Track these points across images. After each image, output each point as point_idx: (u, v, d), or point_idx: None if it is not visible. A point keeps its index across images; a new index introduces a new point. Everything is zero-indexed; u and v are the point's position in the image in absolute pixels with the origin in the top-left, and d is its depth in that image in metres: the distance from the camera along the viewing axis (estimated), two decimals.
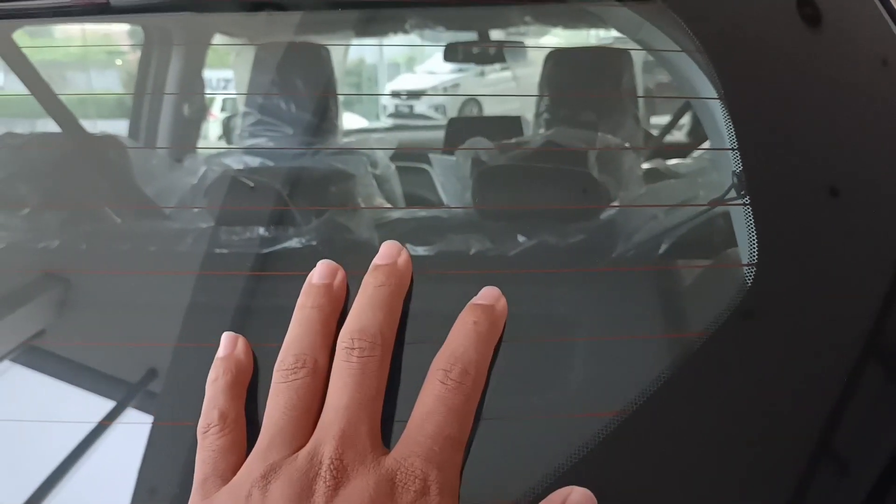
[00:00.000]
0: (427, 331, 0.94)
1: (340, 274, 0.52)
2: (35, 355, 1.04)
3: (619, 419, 0.61)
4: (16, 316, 1.07)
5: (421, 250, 1.08)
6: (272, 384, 0.47)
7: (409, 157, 2.14)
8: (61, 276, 1.08)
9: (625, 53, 1.71)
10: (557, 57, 1.77)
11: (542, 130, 1.75)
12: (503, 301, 0.54)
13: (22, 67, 1.14)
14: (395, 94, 5.92)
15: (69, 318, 1.08)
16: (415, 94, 6.00)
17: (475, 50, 2.41)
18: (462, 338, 0.51)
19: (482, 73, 5.88)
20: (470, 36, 2.44)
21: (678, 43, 0.77)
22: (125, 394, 0.97)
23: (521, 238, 1.03)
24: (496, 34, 2.47)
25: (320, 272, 0.53)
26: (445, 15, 2.15)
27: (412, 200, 1.93)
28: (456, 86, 6.14)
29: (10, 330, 1.05)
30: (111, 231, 1.15)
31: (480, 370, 0.50)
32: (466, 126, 2.82)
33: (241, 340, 0.52)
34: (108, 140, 1.32)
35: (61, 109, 1.19)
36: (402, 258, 0.53)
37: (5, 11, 0.85)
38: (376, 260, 0.52)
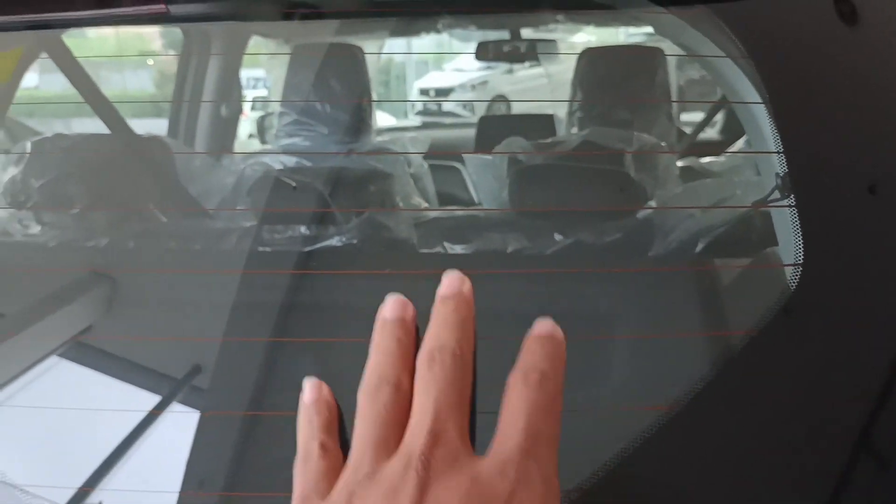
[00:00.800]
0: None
1: (411, 309, 0.53)
2: (83, 350, 1.07)
3: (664, 415, 0.62)
4: (65, 312, 1.10)
5: (458, 248, 1.10)
6: (358, 406, 0.49)
7: (442, 156, 2.16)
8: (109, 274, 1.11)
9: (658, 52, 1.71)
10: (591, 55, 1.78)
11: (575, 129, 1.75)
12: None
13: (73, 71, 1.18)
14: (433, 93, 5.94)
15: (116, 315, 1.11)
16: (445, 92, 6.02)
17: (506, 48, 2.42)
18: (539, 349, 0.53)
19: (510, 71, 5.89)
20: (502, 34, 2.45)
21: (721, 47, 0.77)
22: (170, 388, 1.00)
23: (557, 237, 1.04)
24: (527, 33, 2.48)
25: (391, 307, 0.54)
26: (477, 14, 2.17)
27: (444, 199, 1.95)
28: (484, 83, 6.16)
29: (60, 326, 1.08)
30: (157, 230, 1.18)
31: (558, 375, 0.51)
32: (498, 124, 2.83)
33: (324, 387, 0.54)
34: (154, 141, 1.36)
35: (109, 111, 1.22)
36: (467, 287, 0.54)
37: (67, 20, 0.88)
38: (442, 291, 0.53)
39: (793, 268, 0.64)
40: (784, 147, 0.65)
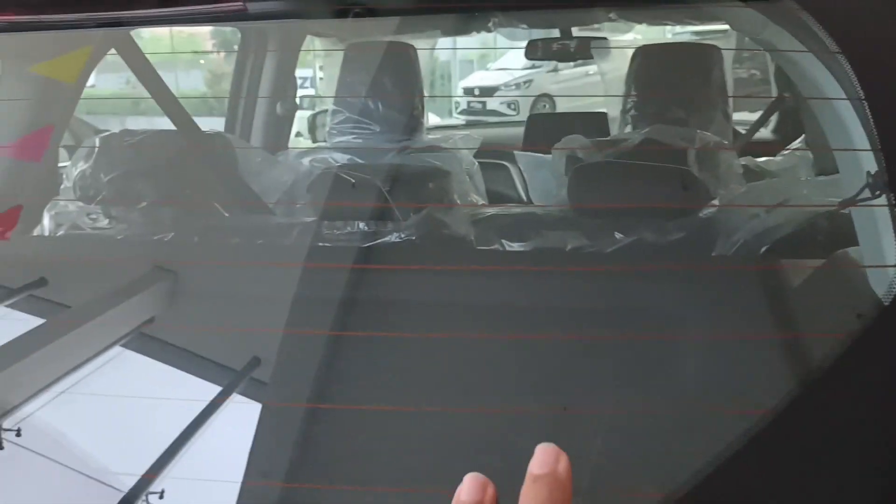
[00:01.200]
0: (525, 327, 0.96)
1: (490, 490, 0.50)
2: (146, 341, 1.10)
3: (740, 419, 0.62)
4: (129, 304, 1.13)
5: (517, 246, 1.10)
6: None
7: (492, 154, 2.16)
8: (173, 267, 1.14)
9: (714, 49, 1.68)
10: (646, 53, 1.76)
11: (629, 127, 1.74)
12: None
13: (142, 69, 1.21)
14: (477, 92, 5.94)
15: (179, 307, 1.13)
16: (489, 91, 6.02)
17: (556, 46, 2.42)
18: None
19: (555, 69, 5.86)
20: (552, 32, 2.44)
21: (805, 43, 0.76)
22: (231, 379, 1.02)
23: (618, 235, 1.04)
24: (579, 31, 2.47)
25: (469, 490, 0.50)
26: (529, 11, 2.16)
27: (494, 197, 1.95)
28: (529, 82, 6.15)
29: (124, 317, 1.11)
30: (220, 225, 1.20)
31: None
32: (548, 123, 2.82)
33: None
34: (217, 138, 1.38)
35: (175, 108, 1.25)
36: (563, 465, 0.49)
37: (141, 18, 0.91)
38: (534, 468, 0.49)
39: (881, 269, 0.62)
40: (882, 145, 0.63)
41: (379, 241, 1.11)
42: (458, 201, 1.18)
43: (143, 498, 0.83)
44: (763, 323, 0.81)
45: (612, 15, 2.20)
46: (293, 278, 1.05)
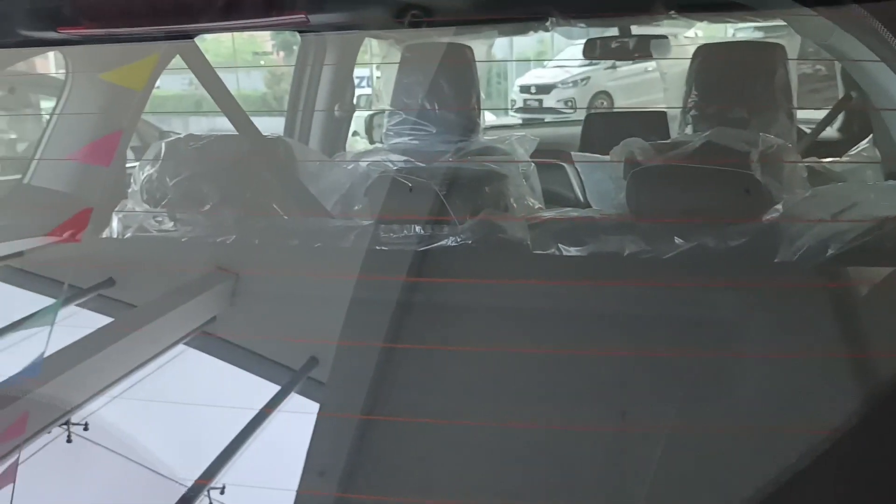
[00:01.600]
0: (582, 335, 0.95)
1: None
2: (207, 341, 1.13)
3: (804, 439, 0.60)
4: (192, 304, 1.16)
5: (573, 251, 1.09)
6: None
7: (549, 155, 2.15)
8: (234, 269, 1.16)
9: (779, 49, 1.64)
10: (707, 52, 1.73)
11: (689, 128, 1.71)
12: None
13: (205, 74, 1.24)
14: (533, 90, 5.90)
15: (239, 308, 1.16)
16: (545, 88, 5.97)
17: (615, 45, 2.38)
18: None
19: (613, 67, 5.78)
20: (611, 31, 2.41)
21: (875, 51, 0.74)
22: (289, 379, 1.04)
23: (678, 240, 1.02)
24: (638, 29, 2.43)
25: None
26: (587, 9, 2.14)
27: (550, 198, 1.93)
28: (587, 79, 6.08)
29: (187, 317, 1.14)
30: (279, 228, 1.23)
31: None
32: (606, 122, 2.79)
33: None
34: (278, 142, 1.41)
35: (237, 113, 1.28)
36: None
37: (205, 29, 0.93)
38: None
39: None
40: None
41: (435, 244, 1.11)
42: (515, 205, 1.18)
43: (205, 493, 0.86)
44: (827, 335, 0.79)
45: (672, 13, 2.16)
46: (350, 281, 1.06)
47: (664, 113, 2.33)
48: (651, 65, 5.66)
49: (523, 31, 2.42)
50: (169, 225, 1.23)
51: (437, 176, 1.20)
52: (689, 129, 1.73)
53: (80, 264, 1.18)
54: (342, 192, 1.32)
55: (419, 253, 1.11)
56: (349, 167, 1.40)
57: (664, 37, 2.34)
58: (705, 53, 1.73)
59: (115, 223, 1.24)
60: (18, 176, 1.44)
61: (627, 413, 0.88)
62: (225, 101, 1.26)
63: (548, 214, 1.17)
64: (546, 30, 2.38)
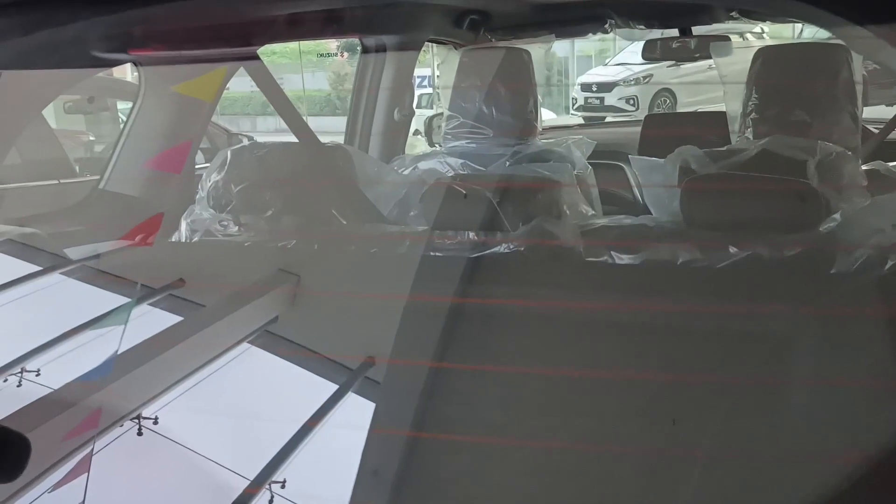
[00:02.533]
0: (637, 344, 0.96)
1: None
2: (270, 339, 1.17)
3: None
4: (256, 304, 1.20)
5: (626, 259, 1.10)
6: None
7: (607, 155, 2.14)
8: (295, 271, 1.20)
9: (843, 50, 1.60)
10: (768, 53, 1.69)
11: (749, 131, 1.68)
12: None
13: (268, 84, 1.29)
14: (595, 88, 5.84)
15: (300, 308, 1.20)
16: (607, 87, 5.90)
17: (675, 45, 2.35)
18: None
19: (676, 64, 5.67)
20: (670, 31, 2.38)
21: None
22: (346, 378, 1.07)
23: (732, 249, 1.01)
24: (698, 29, 2.39)
25: None
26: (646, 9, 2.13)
27: (608, 199, 1.93)
28: (649, 76, 5.98)
29: (251, 316, 1.19)
30: (339, 233, 1.26)
31: None
32: (667, 122, 2.75)
33: None
34: (338, 150, 1.45)
35: (298, 122, 1.32)
36: None
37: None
38: None
39: None
40: None
41: (487, 251, 1.13)
42: (568, 212, 1.18)
43: (267, 486, 0.89)
44: (885, 351, 0.78)
45: (734, 14, 2.13)
46: (406, 285, 1.09)
47: (724, 114, 2.29)
48: (714, 62, 5.53)
49: (582, 34, 2.42)
50: (233, 229, 1.28)
51: (490, 182, 1.22)
52: (748, 133, 1.71)
53: (151, 266, 1.24)
54: (398, 199, 1.35)
55: (472, 259, 1.13)
56: (406, 174, 1.43)
57: (726, 37, 2.30)
58: (766, 55, 1.70)
59: (183, 227, 1.29)
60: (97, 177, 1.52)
61: (677, 422, 0.88)
62: (287, 112, 1.30)
63: (600, 222, 1.17)
64: (605, 32, 2.37)
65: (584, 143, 1.88)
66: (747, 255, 1.00)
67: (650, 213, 1.58)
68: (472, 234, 1.16)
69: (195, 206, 1.32)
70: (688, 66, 5.91)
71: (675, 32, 2.47)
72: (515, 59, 1.96)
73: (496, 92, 1.96)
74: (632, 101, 5.55)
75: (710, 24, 2.24)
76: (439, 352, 1.03)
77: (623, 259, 1.09)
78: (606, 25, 2.23)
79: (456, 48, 2.09)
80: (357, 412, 1.04)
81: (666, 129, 2.50)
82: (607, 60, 6.07)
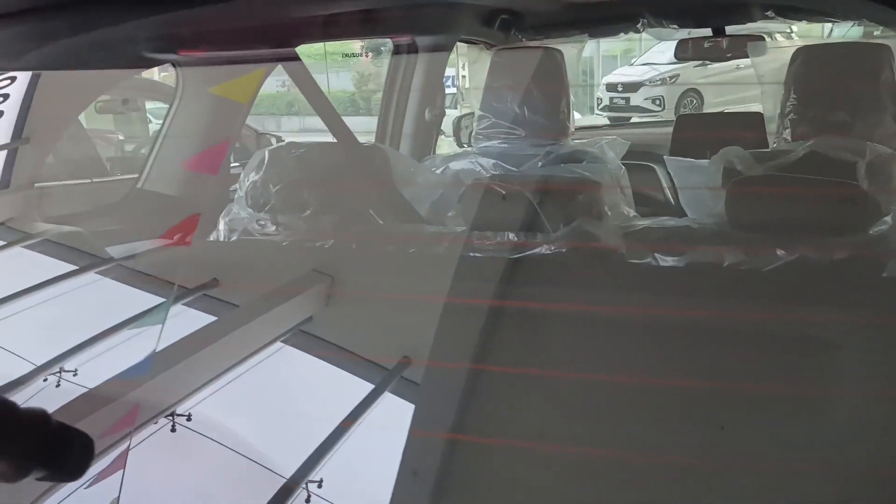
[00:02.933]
0: (682, 348, 0.95)
1: None
2: (304, 339, 1.17)
3: None
4: (290, 304, 1.20)
5: (670, 261, 1.08)
6: None
7: (639, 156, 2.12)
8: (331, 271, 1.20)
9: (885, 49, 1.57)
10: (808, 53, 1.67)
11: (787, 132, 1.66)
12: None
13: (306, 83, 1.29)
14: (620, 88, 5.80)
15: (335, 308, 1.20)
16: (633, 87, 5.87)
17: (707, 45, 2.33)
18: None
19: (704, 63, 5.63)
20: (703, 31, 2.36)
21: None
22: (383, 378, 1.06)
23: (780, 252, 1.00)
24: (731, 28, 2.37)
25: None
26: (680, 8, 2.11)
27: (639, 200, 1.91)
28: (675, 76, 5.94)
29: (286, 316, 1.19)
30: (376, 233, 1.26)
31: None
32: (698, 123, 2.72)
33: None
34: (374, 149, 1.45)
35: (335, 121, 1.32)
36: None
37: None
38: None
39: None
40: None
41: (528, 252, 1.12)
42: (609, 213, 1.17)
43: (304, 485, 0.89)
44: None
45: (769, 13, 2.10)
46: (443, 285, 1.08)
47: (760, 114, 2.27)
48: (743, 62, 5.47)
49: (614, 33, 2.40)
50: (271, 229, 1.28)
51: (530, 183, 1.21)
52: (787, 133, 1.68)
53: (187, 265, 1.24)
54: (434, 199, 1.35)
55: (512, 261, 1.12)
56: (442, 173, 1.42)
57: (761, 37, 2.27)
58: (805, 55, 1.68)
59: (221, 227, 1.30)
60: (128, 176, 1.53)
61: (724, 428, 0.87)
62: (325, 111, 1.30)
63: (643, 223, 1.16)
64: (637, 31, 2.35)
65: (618, 144, 1.87)
66: (795, 259, 0.98)
67: (685, 215, 1.56)
68: (511, 235, 1.15)
69: (233, 206, 1.32)
70: (715, 66, 5.86)
71: (704, 32, 2.45)
72: (548, 59, 1.95)
73: (529, 92, 1.95)
74: (658, 102, 5.51)
75: (745, 23, 2.22)
76: (479, 353, 1.02)
77: (667, 261, 1.07)
78: (639, 25, 2.22)
79: (487, 48, 2.09)
80: (394, 412, 1.04)
81: (699, 129, 2.47)
82: (633, 60, 6.04)
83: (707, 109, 5.55)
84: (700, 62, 5.60)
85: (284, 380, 1.17)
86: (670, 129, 2.49)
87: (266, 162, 1.28)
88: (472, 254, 1.17)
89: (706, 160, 1.33)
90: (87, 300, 1.30)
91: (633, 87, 5.76)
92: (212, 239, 1.30)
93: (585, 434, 0.90)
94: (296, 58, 1.16)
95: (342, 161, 1.35)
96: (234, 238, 1.28)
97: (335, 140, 1.35)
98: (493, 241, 1.16)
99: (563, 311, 1.04)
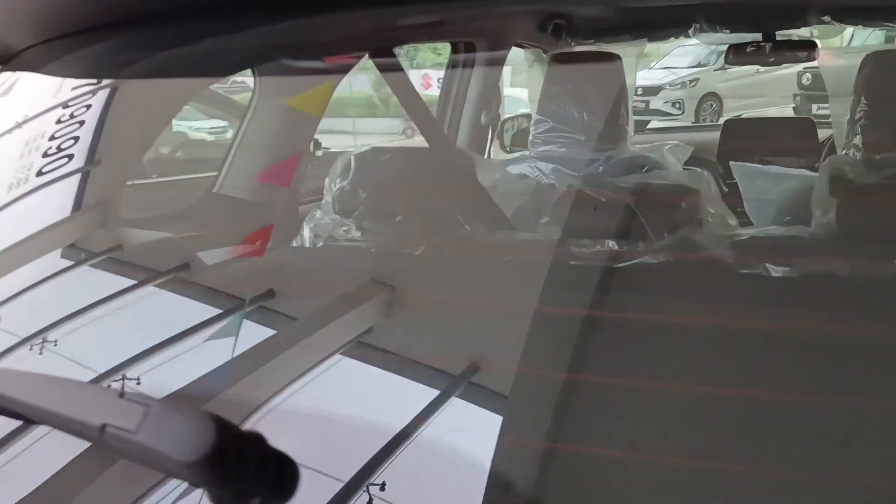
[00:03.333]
0: (796, 361, 0.93)
1: None
2: (364, 350, 1.13)
3: None
4: (352, 315, 1.17)
5: (780, 272, 1.06)
6: None
7: (692, 163, 2.11)
8: (408, 278, 1.17)
9: None
10: (880, 59, 1.66)
11: (857, 138, 1.65)
12: None
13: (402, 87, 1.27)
14: (640, 92, 5.80)
15: (395, 318, 1.17)
16: (652, 90, 5.87)
17: (759, 50, 2.32)
18: None
19: (724, 67, 5.63)
20: (753, 36, 2.34)
21: None
22: (448, 384, 1.03)
23: None
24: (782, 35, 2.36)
25: None
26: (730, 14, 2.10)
27: None
28: (695, 80, 5.95)
29: (346, 327, 1.15)
30: (465, 240, 1.24)
31: None
32: (747, 128, 2.71)
33: None
34: (459, 153, 1.43)
35: (430, 124, 1.30)
36: None
37: None
38: None
39: None
40: None
41: (629, 262, 1.10)
42: (710, 220, 1.15)
43: (365, 488, 0.86)
44: None
45: (825, 18, 2.09)
46: (535, 294, 1.06)
47: (811, 120, 2.26)
48: (763, 66, 5.48)
49: (664, 39, 2.39)
50: (356, 234, 1.26)
51: (627, 190, 1.19)
52: (857, 140, 1.67)
53: (243, 276, 1.21)
54: (519, 204, 1.33)
55: (611, 269, 1.10)
56: (525, 176, 1.40)
57: (813, 42, 2.27)
58: (876, 61, 1.67)
59: (306, 233, 1.27)
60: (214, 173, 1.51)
61: (845, 446, 0.85)
62: (421, 115, 1.28)
63: (748, 232, 1.14)
64: (688, 36, 2.34)
65: (680, 149, 1.85)
66: None
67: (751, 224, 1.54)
68: (611, 243, 1.13)
69: (317, 212, 1.30)
70: (734, 71, 5.87)
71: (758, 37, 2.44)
72: (608, 64, 1.93)
73: (588, 96, 1.94)
74: (677, 105, 5.51)
75: (799, 28, 2.21)
76: (572, 363, 1.00)
77: (777, 272, 1.05)
78: (691, 30, 2.21)
79: (544, 52, 2.07)
80: (460, 417, 1.01)
81: (748, 135, 2.46)
82: (652, 64, 6.03)
83: (727, 113, 5.57)
84: (720, 67, 5.62)
85: (343, 389, 1.14)
86: (693, 135, 2.47)
87: (353, 167, 1.26)
88: (565, 261, 1.15)
89: (790, 167, 1.31)
90: (148, 311, 1.27)
91: (652, 90, 5.76)
92: (296, 245, 1.28)
93: (693, 450, 0.88)
94: (396, 65, 1.14)
95: (429, 165, 1.33)
96: (320, 244, 1.26)
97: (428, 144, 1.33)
98: (589, 249, 1.14)
99: (670, 321, 1.02)
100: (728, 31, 2.24)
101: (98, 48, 0.96)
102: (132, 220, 1.34)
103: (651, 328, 1.03)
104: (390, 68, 1.22)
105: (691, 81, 5.70)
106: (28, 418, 0.57)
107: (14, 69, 1.06)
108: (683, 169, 1.84)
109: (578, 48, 2.05)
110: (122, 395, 0.55)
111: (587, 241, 1.14)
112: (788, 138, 2.13)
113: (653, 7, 1.94)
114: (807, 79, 4.80)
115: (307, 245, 1.27)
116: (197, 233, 1.36)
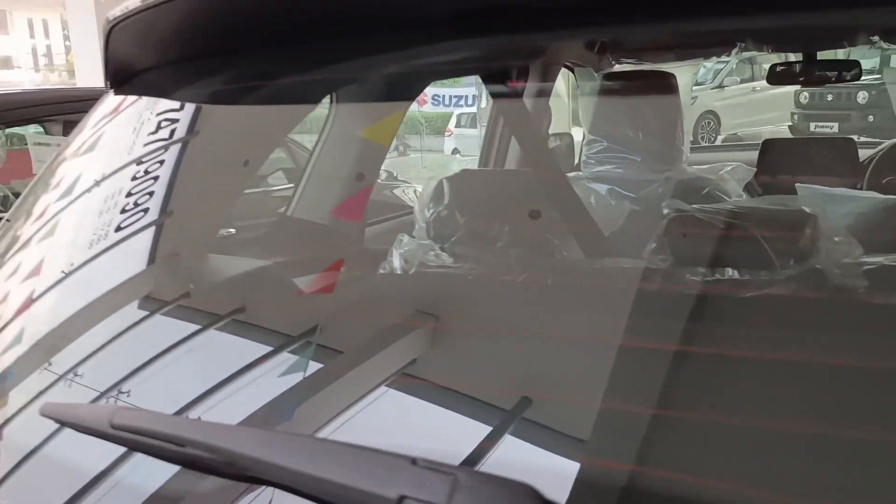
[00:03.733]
0: None
1: None
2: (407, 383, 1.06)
3: None
4: (400, 344, 1.09)
5: None
6: None
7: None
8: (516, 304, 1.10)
9: None
10: None
11: None
12: None
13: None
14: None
15: (439, 344, 1.10)
16: None
17: (803, 70, 2.31)
18: None
19: (721, 86, 5.68)
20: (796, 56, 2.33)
21: None
22: (502, 420, 0.95)
23: None
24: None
25: None
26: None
27: None
28: (693, 99, 5.98)
29: (391, 359, 1.08)
30: (568, 267, 1.18)
31: None
32: (786, 148, 2.69)
33: None
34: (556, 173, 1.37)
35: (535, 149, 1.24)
36: None
37: None
38: None
39: None
40: None
41: (758, 292, 1.03)
42: (831, 247, 1.10)
43: None
44: None
45: (874, 38, 2.08)
46: (659, 327, 0.99)
47: (852, 140, 2.24)
48: (758, 84, 5.54)
49: (707, 57, 2.37)
50: (448, 260, 1.19)
51: (744, 215, 1.14)
52: None
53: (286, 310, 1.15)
54: (614, 230, 1.27)
55: (730, 300, 1.04)
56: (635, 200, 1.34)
57: (856, 62, 2.25)
58: None
59: (395, 259, 1.20)
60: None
61: None
62: (527, 141, 1.23)
63: (876, 259, 1.09)
64: (729, 55, 2.33)
65: (741, 170, 1.82)
66: None
67: None
68: (731, 272, 1.07)
69: (404, 237, 1.23)
70: (731, 89, 5.92)
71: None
72: (662, 83, 1.90)
73: (643, 116, 1.89)
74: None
75: (847, 47, 2.20)
76: (659, 400, 0.92)
77: None
78: (735, 49, 2.19)
79: (595, 72, 2.03)
80: (516, 453, 0.93)
81: (788, 153, 2.43)
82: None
83: (724, 131, 5.60)
84: (717, 85, 5.66)
85: (390, 422, 1.06)
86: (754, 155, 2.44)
87: (447, 191, 1.19)
88: (680, 291, 1.09)
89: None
90: (209, 354, 1.20)
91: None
92: (388, 270, 1.21)
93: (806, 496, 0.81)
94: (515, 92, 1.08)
95: (528, 189, 1.27)
96: (412, 271, 1.18)
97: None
98: (707, 279, 1.08)
99: (808, 359, 0.96)
100: (771, 51, 2.23)
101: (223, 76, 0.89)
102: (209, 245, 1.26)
103: (787, 367, 0.97)
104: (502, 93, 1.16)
105: (690, 99, 5.73)
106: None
107: (128, 92, 1.00)
108: (762, 195, 1.80)
109: (634, 67, 2.02)
110: (414, 462, 0.48)
111: (703, 269, 1.09)
112: (831, 158, 2.11)
113: (708, 29, 1.91)
114: (804, 97, 4.83)
115: (398, 272, 1.20)
116: (270, 259, 1.29)
